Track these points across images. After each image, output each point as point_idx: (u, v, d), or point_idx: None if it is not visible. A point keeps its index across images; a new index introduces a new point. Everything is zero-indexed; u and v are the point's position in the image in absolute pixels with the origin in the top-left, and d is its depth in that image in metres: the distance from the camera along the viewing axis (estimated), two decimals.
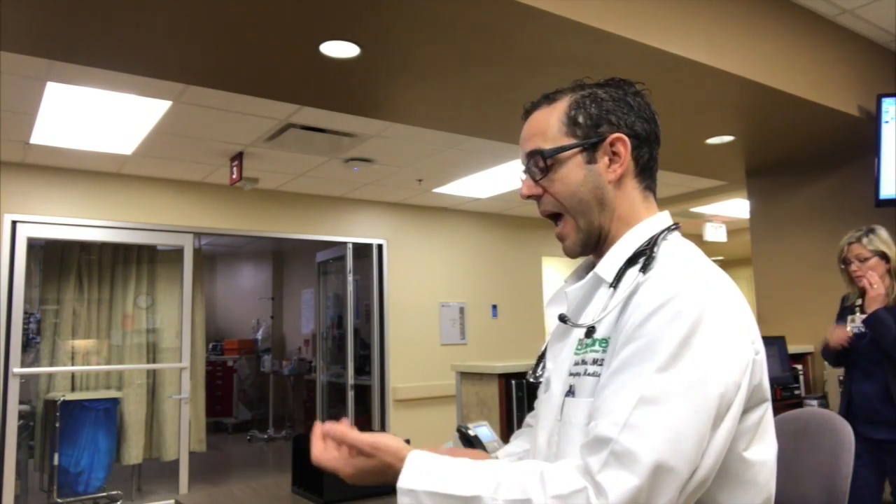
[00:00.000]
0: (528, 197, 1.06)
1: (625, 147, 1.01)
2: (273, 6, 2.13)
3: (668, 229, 1.01)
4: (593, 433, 0.84)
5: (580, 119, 1.02)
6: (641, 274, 0.93)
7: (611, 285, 0.98)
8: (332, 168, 5.02)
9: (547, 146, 1.02)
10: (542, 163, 1.02)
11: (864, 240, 2.75)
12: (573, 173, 1.02)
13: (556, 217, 1.06)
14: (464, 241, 6.74)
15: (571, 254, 1.07)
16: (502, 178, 5.38)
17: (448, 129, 3.55)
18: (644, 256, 0.97)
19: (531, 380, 1.18)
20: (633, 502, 0.79)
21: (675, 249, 0.98)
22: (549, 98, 1.06)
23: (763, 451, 0.95)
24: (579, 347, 0.99)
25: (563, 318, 1.01)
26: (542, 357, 1.17)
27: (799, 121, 3.35)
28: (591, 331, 0.96)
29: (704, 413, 0.84)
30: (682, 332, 0.85)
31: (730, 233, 7.42)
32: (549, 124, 1.03)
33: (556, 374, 1.04)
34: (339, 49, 2.45)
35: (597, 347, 0.95)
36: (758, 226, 4.38)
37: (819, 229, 3.98)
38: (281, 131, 4.13)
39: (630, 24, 2.42)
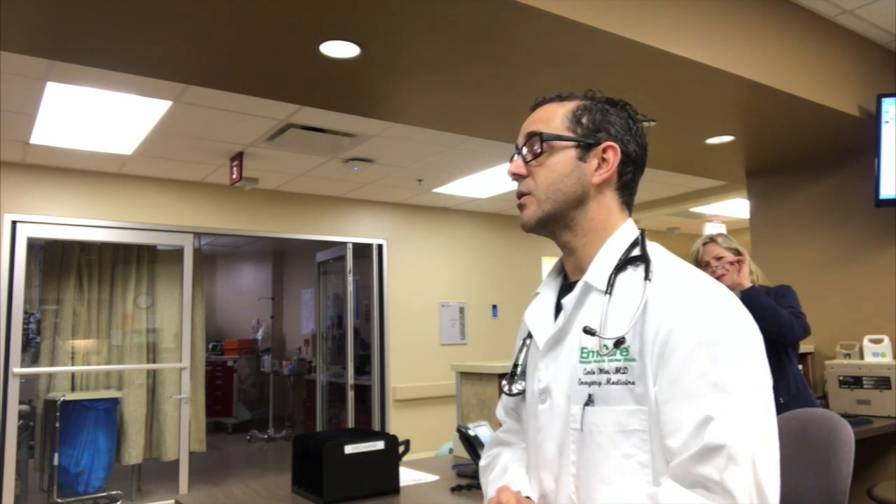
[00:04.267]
0: (514, 175, 1.12)
1: (615, 156, 1.07)
2: (273, 6, 2.13)
3: (642, 234, 1.08)
4: (700, 444, 0.86)
5: (584, 120, 1.08)
6: (648, 282, 0.98)
7: (605, 292, 1.02)
8: (332, 168, 5.02)
9: (547, 132, 1.09)
10: (537, 145, 1.08)
11: (720, 239, 2.83)
12: (562, 164, 1.07)
13: (525, 195, 1.12)
14: (464, 241, 6.74)
15: (526, 224, 1.12)
16: (502, 178, 5.38)
17: (448, 129, 3.55)
18: (639, 263, 1.02)
19: (507, 392, 1.19)
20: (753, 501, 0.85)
21: (662, 254, 1.05)
22: (560, 97, 1.13)
23: None
24: (586, 356, 1.01)
25: (590, 331, 1.00)
26: (516, 366, 1.18)
27: (799, 121, 3.34)
28: (619, 342, 0.97)
29: (769, 405, 0.91)
30: (720, 335, 0.91)
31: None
32: (555, 115, 1.10)
33: (556, 384, 1.05)
34: (339, 49, 2.45)
35: (618, 356, 0.97)
36: (758, 226, 4.37)
37: (819, 229, 3.98)
38: (281, 131, 4.13)
39: (630, 24, 2.42)
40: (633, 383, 0.95)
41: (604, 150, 1.07)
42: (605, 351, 0.99)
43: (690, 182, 5.60)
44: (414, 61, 2.59)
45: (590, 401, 0.98)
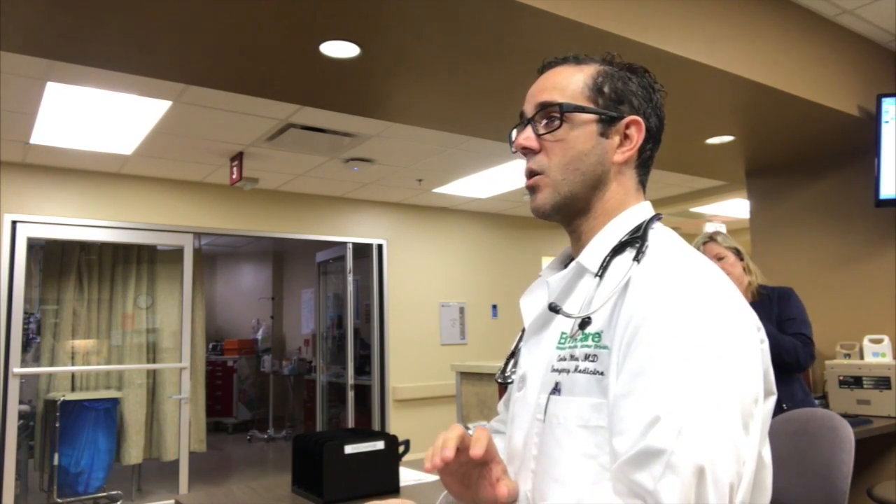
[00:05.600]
0: (523, 148, 0.99)
1: (639, 133, 0.97)
2: (273, 6, 2.13)
3: (653, 218, 0.97)
4: (639, 446, 0.75)
5: (605, 89, 0.97)
6: (636, 263, 0.88)
7: (596, 275, 0.93)
8: (332, 168, 5.02)
9: (566, 102, 0.96)
10: (555, 116, 0.96)
11: (719, 238, 2.79)
12: (582, 140, 0.95)
13: (537, 174, 0.99)
14: (464, 241, 6.74)
15: (540, 209, 0.98)
16: (502, 178, 5.38)
17: (448, 129, 3.55)
18: (636, 244, 0.91)
19: (499, 380, 1.10)
20: None
21: (664, 238, 0.94)
22: (576, 59, 1.01)
23: (768, 452, 0.90)
24: (563, 341, 0.92)
25: (554, 308, 0.93)
26: (512, 355, 1.10)
27: (799, 121, 3.34)
28: (585, 323, 0.89)
29: (742, 413, 0.78)
30: (701, 330, 0.80)
31: (730, 233, 7.42)
32: (573, 82, 0.97)
33: (533, 371, 0.97)
34: (339, 49, 2.45)
35: (589, 342, 0.88)
36: (758, 226, 4.37)
37: (819, 229, 3.97)
38: (281, 131, 4.13)
39: (630, 24, 2.42)
40: (601, 374, 0.84)
41: (626, 126, 0.96)
42: (575, 332, 0.90)
43: (690, 182, 5.60)
44: (414, 61, 2.59)
45: (556, 389, 0.89)
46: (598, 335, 0.87)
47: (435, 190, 5.80)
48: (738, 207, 6.56)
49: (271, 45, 2.41)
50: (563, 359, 0.91)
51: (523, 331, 1.09)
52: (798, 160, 4.05)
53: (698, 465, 0.73)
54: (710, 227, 7.21)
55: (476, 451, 0.82)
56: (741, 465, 0.77)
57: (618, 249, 0.93)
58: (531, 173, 0.99)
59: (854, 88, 3.30)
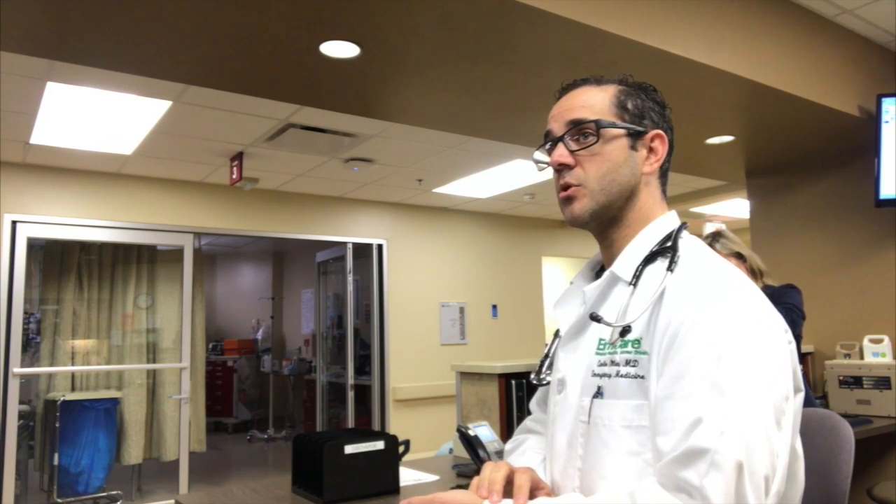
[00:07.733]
0: (560, 165, 1.04)
1: (663, 145, 1.05)
2: (273, 6, 2.13)
3: (681, 227, 1.04)
4: (684, 446, 0.81)
5: (629, 105, 1.04)
6: (669, 273, 0.94)
7: (630, 283, 0.99)
8: (332, 168, 5.02)
9: (600, 119, 1.02)
10: (590, 132, 1.02)
11: (717, 245, 2.74)
12: (617, 153, 1.02)
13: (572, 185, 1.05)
14: (464, 241, 6.74)
15: (578, 218, 1.03)
16: (502, 178, 5.38)
17: (448, 129, 3.55)
18: (668, 254, 0.98)
19: (535, 382, 1.16)
20: None
21: (693, 248, 1.00)
22: (596, 80, 1.08)
23: (800, 445, 0.95)
24: (602, 347, 0.98)
25: (596, 318, 0.99)
26: (546, 357, 1.16)
27: (799, 121, 3.34)
28: (625, 331, 0.94)
29: (776, 412, 0.84)
30: (734, 335, 0.86)
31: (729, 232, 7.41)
32: (599, 101, 1.04)
33: (572, 375, 1.02)
34: (339, 49, 2.45)
35: (629, 348, 0.94)
36: (758, 226, 4.38)
37: (819, 229, 3.98)
38: (281, 131, 4.13)
39: (630, 24, 2.42)
40: (642, 377, 0.91)
41: (652, 139, 1.04)
42: (615, 340, 0.96)
43: (690, 182, 5.60)
44: (414, 61, 2.59)
45: (598, 393, 0.96)
46: (638, 342, 0.94)
47: (435, 190, 5.80)
48: (738, 207, 6.56)
49: (271, 45, 2.41)
50: (604, 364, 0.97)
51: (556, 335, 1.15)
52: (798, 160, 4.05)
53: (738, 461, 0.79)
54: (709, 227, 7.21)
55: (520, 501, 0.92)
56: (775, 458, 0.83)
57: (649, 259, 1.00)
58: (567, 186, 1.04)
59: (854, 88, 3.30)
